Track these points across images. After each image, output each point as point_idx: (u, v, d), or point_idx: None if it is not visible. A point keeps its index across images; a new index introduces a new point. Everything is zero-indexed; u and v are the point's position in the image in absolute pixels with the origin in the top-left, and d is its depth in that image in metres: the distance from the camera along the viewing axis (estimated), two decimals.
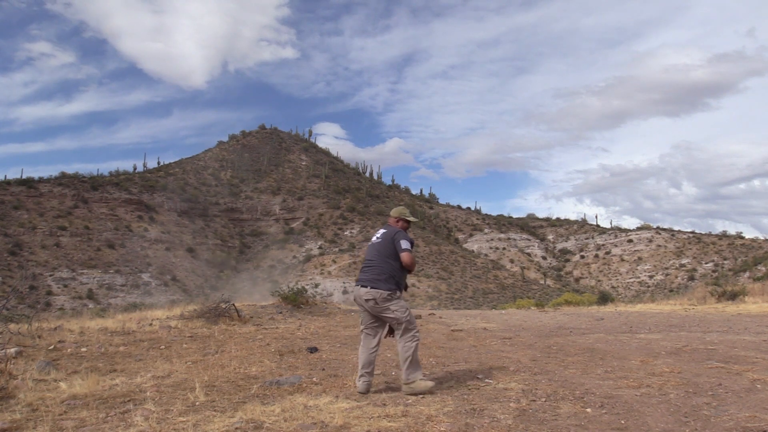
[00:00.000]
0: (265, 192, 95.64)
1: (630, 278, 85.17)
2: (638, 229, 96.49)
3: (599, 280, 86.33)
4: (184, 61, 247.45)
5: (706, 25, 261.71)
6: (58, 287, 57.82)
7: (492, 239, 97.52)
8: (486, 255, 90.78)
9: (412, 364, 4.33)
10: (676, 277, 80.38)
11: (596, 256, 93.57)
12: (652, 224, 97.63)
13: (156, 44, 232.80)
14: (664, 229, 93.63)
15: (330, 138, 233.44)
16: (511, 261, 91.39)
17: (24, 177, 74.69)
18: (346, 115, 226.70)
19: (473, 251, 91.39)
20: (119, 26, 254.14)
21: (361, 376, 4.40)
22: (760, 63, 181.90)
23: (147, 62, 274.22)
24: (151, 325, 9.34)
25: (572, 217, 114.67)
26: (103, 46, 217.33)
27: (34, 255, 61.09)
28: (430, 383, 4.29)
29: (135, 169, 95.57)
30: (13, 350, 5.98)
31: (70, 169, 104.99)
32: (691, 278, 75.98)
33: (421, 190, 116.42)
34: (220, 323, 9.75)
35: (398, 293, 4.53)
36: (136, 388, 4.54)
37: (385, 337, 4.62)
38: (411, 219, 4.84)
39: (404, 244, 4.54)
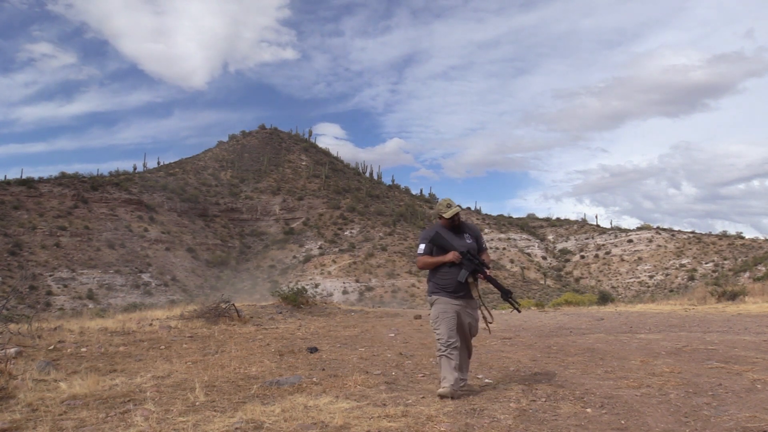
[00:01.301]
0: (265, 192, 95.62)
1: (630, 278, 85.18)
2: (638, 229, 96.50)
3: (599, 280, 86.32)
4: (184, 62, 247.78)
5: (705, 26, 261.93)
6: (58, 287, 57.81)
7: (492, 239, 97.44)
8: None
9: (440, 370, 4.28)
10: (676, 277, 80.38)
11: (596, 256, 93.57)
12: (652, 224, 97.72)
13: (157, 45, 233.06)
14: (664, 229, 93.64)
15: (330, 138, 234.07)
16: (511, 261, 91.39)
17: (24, 177, 74.74)
18: (347, 116, 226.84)
19: None
20: (120, 27, 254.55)
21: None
22: (758, 64, 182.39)
23: (148, 63, 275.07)
24: (151, 325, 9.34)
25: (572, 217, 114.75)
26: (104, 47, 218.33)
27: (34, 255, 61.07)
28: (443, 391, 4.11)
29: (135, 169, 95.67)
30: (13, 350, 5.97)
31: (71, 169, 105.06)
32: (691, 278, 75.98)
33: (421, 191, 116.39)
34: (220, 323, 9.76)
35: (435, 296, 4.36)
36: (136, 388, 4.54)
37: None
38: (443, 215, 4.41)
39: (419, 248, 4.43)
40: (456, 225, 4.43)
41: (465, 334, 4.45)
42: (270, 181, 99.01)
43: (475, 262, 4.31)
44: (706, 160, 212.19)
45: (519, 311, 4.56)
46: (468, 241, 4.41)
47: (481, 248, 4.50)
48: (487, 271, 4.35)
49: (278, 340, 7.95)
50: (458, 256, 4.26)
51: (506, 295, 4.39)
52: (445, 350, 4.22)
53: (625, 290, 79.12)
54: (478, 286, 4.41)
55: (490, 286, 4.39)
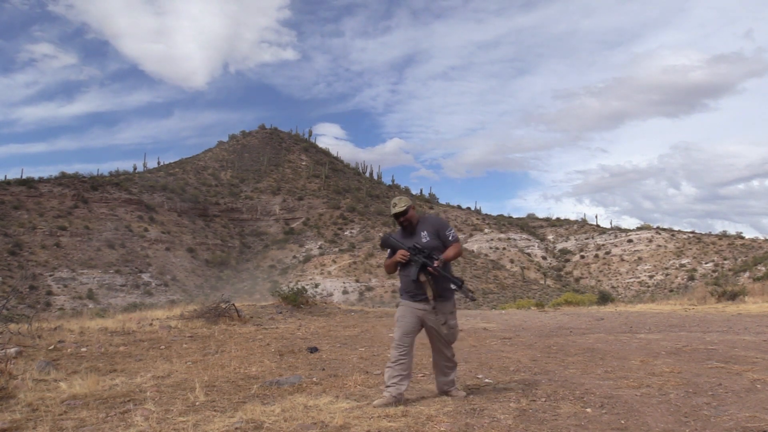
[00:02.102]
0: (265, 192, 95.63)
1: (630, 278, 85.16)
2: (638, 229, 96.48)
3: (599, 280, 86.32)
4: (185, 62, 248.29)
5: (704, 27, 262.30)
6: (58, 287, 57.80)
7: (492, 239, 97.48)
8: (486, 255, 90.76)
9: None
10: (676, 277, 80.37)
11: (596, 256, 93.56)
12: (651, 224, 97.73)
13: (157, 45, 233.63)
14: (664, 229, 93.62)
15: (330, 138, 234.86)
16: (511, 261, 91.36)
17: (24, 177, 74.77)
18: (347, 116, 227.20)
19: (473, 251, 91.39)
20: (121, 28, 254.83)
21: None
22: (758, 64, 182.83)
23: (148, 63, 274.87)
24: (151, 325, 9.34)
25: (572, 217, 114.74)
26: (105, 48, 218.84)
27: (34, 255, 61.06)
28: (377, 402, 3.90)
29: (135, 169, 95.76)
30: (13, 350, 5.97)
31: (71, 169, 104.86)
32: (691, 278, 75.97)
33: (421, 190, 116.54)
34: (220, 323, 9.76)
35: (400, 299, 4.25)
36: (136, 388, 4.54)
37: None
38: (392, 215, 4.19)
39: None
40: (406, 224, 4.13)
41: (433, 339, 4.16)
42: (270, 181, 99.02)
43: (422, 255, 3.96)
44: (706, 161, 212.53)
45: (474, 299, 4.15)
46: (424, 240, 4.08)
47: (445, 241, 4.13)
48: (436, 262, 3.94)
49: (278, 340, 7.94)
50: (404, 253, 4.00)
51: (457, 286, 4.01)
52: (391, 361, 4.06)
53: (625, 290, 79.10)
54: (432, 284, 4.00)
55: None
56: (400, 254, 4.03)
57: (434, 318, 4.05)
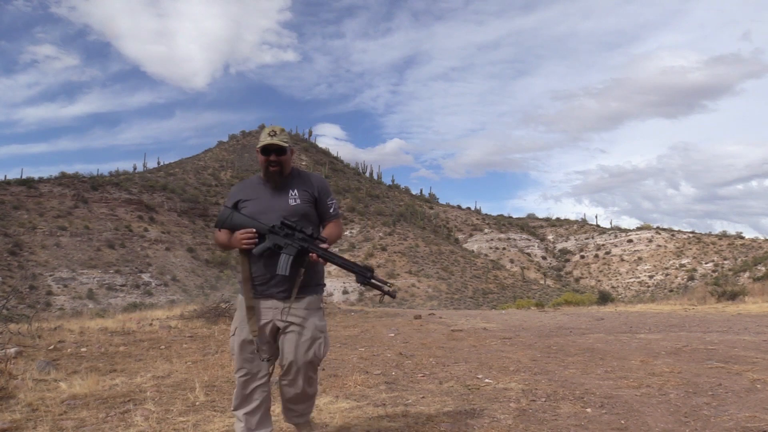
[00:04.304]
0: None
1: (630, 278, 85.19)
2: (638, 229, 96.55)
3: (599, 280, 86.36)
4: (186, 63, 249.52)
5: (702, 29, 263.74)
6: (58, 287, 57.79)
7: (492, 239, 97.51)
8: (486, 255, 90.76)
9: None
10: (676, 277, 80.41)
11: (596, 256, 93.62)
12: (651, 224, 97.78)
13: (159, 47, 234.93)
14: (664, 229, 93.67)
15: (330, 139, 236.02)
16: (511, 261, 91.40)
17: (24, 177, 74.81)
18: (347, 117, 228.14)
19: (473, 251, 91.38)
20: (123, 29, 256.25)
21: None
22: (756, 65, 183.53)
23: (150, 64, 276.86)
24: (151, 325, 9.35)
25: (571, 217, 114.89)
26: (107, 49, 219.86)
27: (34, 255, 61.05)
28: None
29: (135, 169, 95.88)
30: (13, 350, 5.97)
31: (72, 170, 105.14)
32: (691, 278, 76.00)
33: (421, 191, 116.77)
34: (220, 323, 9.76)
35: (240, 295, 2.74)
36: (136, 388, 4.54)
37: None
38: (257, 147, 2.66)
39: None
40: (275, 171, 2.65)
41: (285, 357, 2.61)
42: None
43: (299, 237, 2.55)
44: (705, 161, 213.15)
45: (393, 296, 2.59)
46: (292, 203, 2.66)
47: (324, 213, 2.77)
48: (324, 245, 2.56)
49: None
50: (248, 237, 2.55)
51: (363, 278, 2.51)
52: (234, 405, 2.69)
53: (625, 290, 79.15)
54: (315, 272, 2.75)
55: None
56: (244, 238, 2.56)
57: (294, 321, 2.62)
